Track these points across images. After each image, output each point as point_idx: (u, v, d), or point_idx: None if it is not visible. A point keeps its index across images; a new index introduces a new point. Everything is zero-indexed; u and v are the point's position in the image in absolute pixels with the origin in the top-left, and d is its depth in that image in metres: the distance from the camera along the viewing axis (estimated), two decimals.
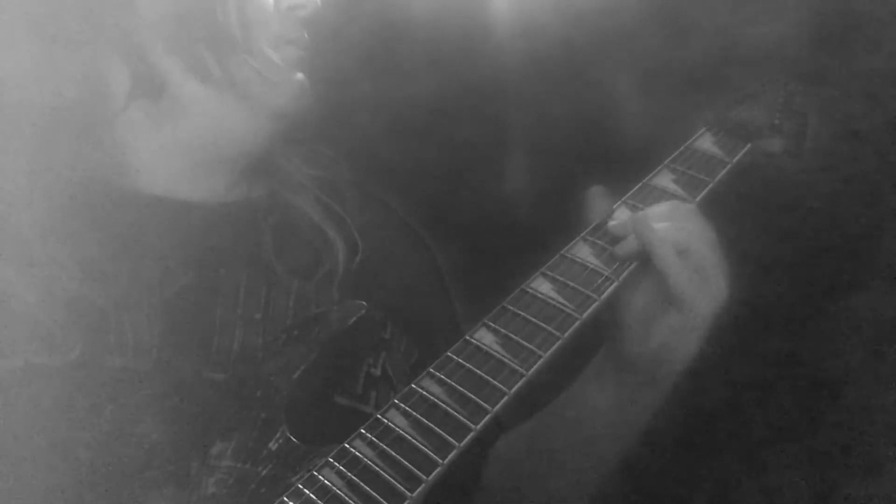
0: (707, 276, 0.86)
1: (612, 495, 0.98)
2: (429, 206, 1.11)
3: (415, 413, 0.78)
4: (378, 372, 0.91)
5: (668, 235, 0.86)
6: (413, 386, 0.80)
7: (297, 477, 0.76)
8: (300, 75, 0.94)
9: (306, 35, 0.95)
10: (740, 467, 1.22)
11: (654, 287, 0.88)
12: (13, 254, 0.84)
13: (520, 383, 0.79)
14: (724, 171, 0.99)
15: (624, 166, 1.00)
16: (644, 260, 0.88)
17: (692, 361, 0.89)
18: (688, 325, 0.87)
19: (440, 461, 0.74)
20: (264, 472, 0.78)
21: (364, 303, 0.87)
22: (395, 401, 0.79)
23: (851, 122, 1.18)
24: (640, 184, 0.98)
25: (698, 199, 0.95)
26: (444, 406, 0.78)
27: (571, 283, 0.87)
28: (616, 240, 0.90)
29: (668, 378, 0.90)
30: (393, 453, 0.75)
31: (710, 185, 0.97)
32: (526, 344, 0.82)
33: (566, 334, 0.83)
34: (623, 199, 0.96)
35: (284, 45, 0.93)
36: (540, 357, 0.81)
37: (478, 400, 0.78)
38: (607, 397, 0.93)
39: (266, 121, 0.93)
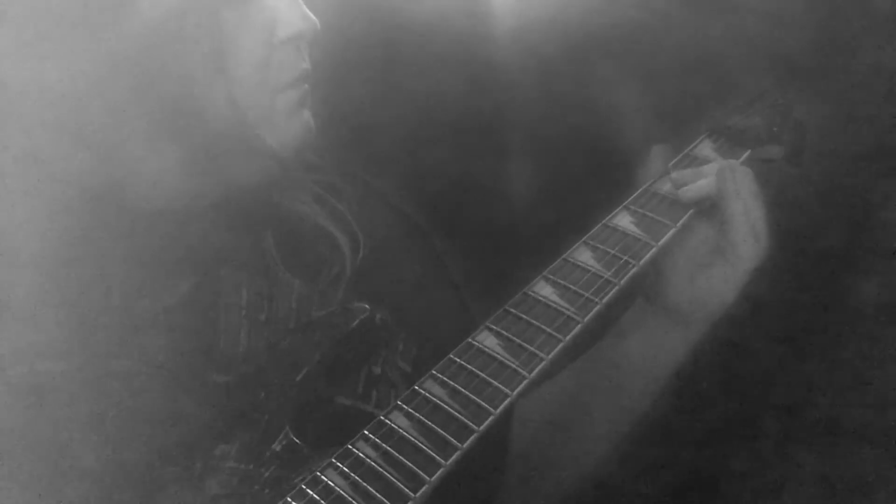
0: (759, 233, 0.94)
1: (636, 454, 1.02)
2: (430, 210, 1.11)
3: (418, 414, 0.78)
4: (378, 370, 0.92)
5: (743, 188, 0.94)
6: (416, 388, 0.80)
7: (301, 478, 0.76)
8: (305, 113, 0.90)
9: (309, 65, 0.90)
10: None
11: (702, 235, 0.96)
12: (16, 262, 0.84)
13: (522, 385, 0.80)
14: None
15: (625, 171, 1.01)
16: (707, 205, 0.95)
17: (724, 312, 0.96)
18: (731, 275, 0.95)
19: (443, 462, 0.75)
20: (268, 473, 0.79)
21: (367, 306, 0.88)
22: (399, 402, 0.79)
23: (851, 129, 1.19)
24: (641, 189, 0.99)
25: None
26: (446, 407, 0.78)
27: (573, 287, 0.88)
28: (623, 239, 0.93)
29: (701, 325, 0.97)
30: (396, 454, 0.75)
31: None
32: (528, 346, 0.82)
33: (568, 337, 0.83)
34: (624, 203, 0.97)
35: (287, 88, 0.88)
36: (542, 359, 0.81)
37: (480, 401, 0.78)
38: (642, 346, 0.99)
39: (268, 158, 0.90)
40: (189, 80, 0.82)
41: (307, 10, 0.88)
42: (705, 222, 0.97)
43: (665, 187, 0.98)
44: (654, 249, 0.91)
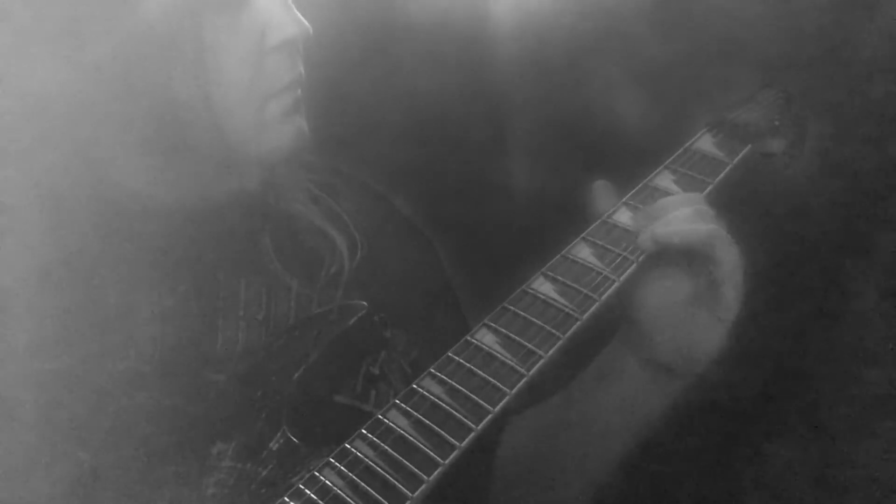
0: (739, 285, 0.89)
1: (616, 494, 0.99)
2: (429, 207, 1.11)
3: (416, 413, 0.78)
4: (377, 370, 0.91)
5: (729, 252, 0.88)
6: (414, 386, 0.80)
7: (298, 477, 0.76)
8: (298, 118, 0.89)
9: (302, 70, 0.89)
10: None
11: (679, 287, 0.91)
12: (13, 260, 0.84)
13: (521, 383, 0.79)
14: (724, 172, 0.99)
15: (625, 167, 1.00)
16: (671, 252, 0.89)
17: (715, 358, 0.92)
18: (718, 324, 0.89)
19: (441, 461, 0.74)
20: (265, 472, 0.78)
21: (364, 303, 0.87)
22: (396, 401, 0.79)
23: (852, 124, 1.18)
24: (640, 184, 0.98)
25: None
26: (445, 406, 0.78)
27: (572, 284, 0.87)
28: (622, 236, 0.91)
29: (692, 374, 0.93)
30: (394, 453, 0.75)
31: (711, 186, 0.98)
32: (527, 344, 0.82)
33: (567, 334, 0.83)
34: (624, 199, 0.96)
35: (279, 94, 0.87)
36: (541, 357, 0.81)
37: (478, 400, 0.78)
38: (622, 394, 0.94)
39: (262, 165, 0.91)
40: (178, 87, 0.82)
41: (299, 15, 0.87)
42: (678, 270, 0.91)
43: (664, 183, 0.98)
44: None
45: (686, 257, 0.90)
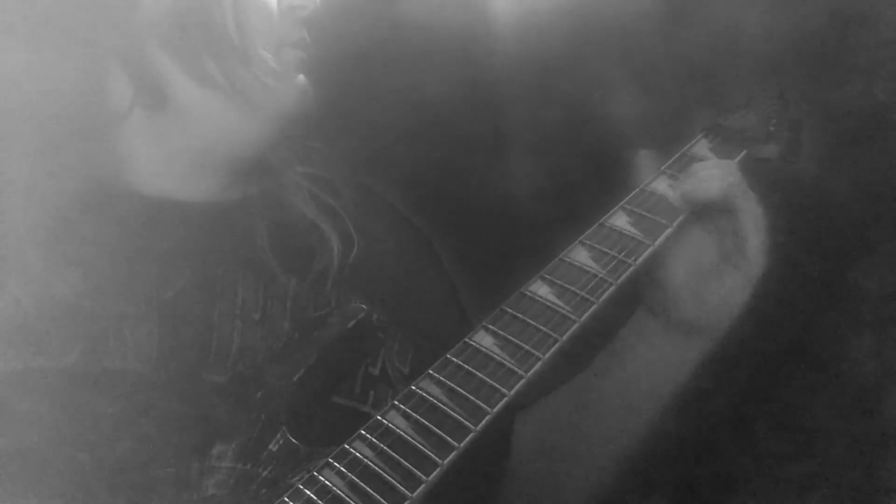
0: (765, 241, 0.94)
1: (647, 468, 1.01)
2: (428, 209, 1.11)
3: (415, 414, 0.78)
4: (376, 371, 0.92)
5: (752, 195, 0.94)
6: (413, 387, 0.80)
7: (298, 478, 0.76)
8: (301, 77, 0.94)
9: (307, 36, 0.95)
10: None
11: (706, 248, 0.95)
12: (9, 258, 0.84)
13: (519, 384, 0.80)
14: None
15: (622, 171, 1.01)
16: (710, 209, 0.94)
17: (741, 314, 0.95)
18: (743, 284, 0.94)
19: (440, 462, 0.75)
20: (265, 473, 0.79)
21: (364, 305, 0.88)
22: (396, 402, 0.79)
23: (847, 127, 1.19)
24: (637, 188, 0.99)
25: None
26: (443, 407, 0.78)
27: (570, 287, 0.88)
28: (619, 239, 0.93)
29: (713, 337, 0.97)
30: (393, 454, 0.75)
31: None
32: (525, 346, 0.83)
33: (564, 336, 0.84)
34: (620, 203, 0.97)
35: (285, 48, 0.93)
36: (539, 359, 0.82)
37: (477, 401, 0.79)
38: (647, 362, 0.98)
39: (267, 125, 0.93)
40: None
41: None
42: (704, 230, 0.96)
43: (661, 187, 0.98)
44: (650, 249, 0.91)
45: (712, 217, 0.95)
